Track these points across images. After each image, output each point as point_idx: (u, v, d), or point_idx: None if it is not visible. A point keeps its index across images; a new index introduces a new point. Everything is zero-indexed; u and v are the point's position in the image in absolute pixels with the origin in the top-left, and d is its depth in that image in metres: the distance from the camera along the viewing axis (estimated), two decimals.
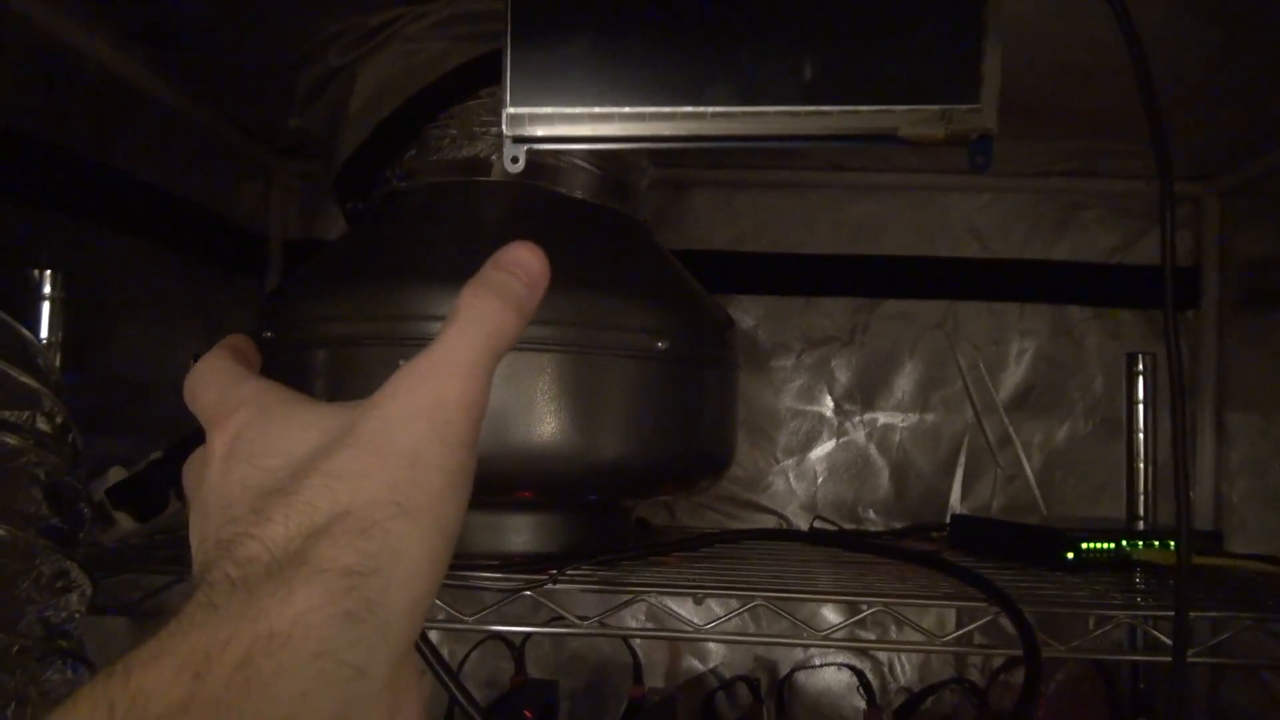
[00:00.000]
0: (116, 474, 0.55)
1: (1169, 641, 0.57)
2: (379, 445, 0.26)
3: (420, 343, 0.59)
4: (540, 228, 0.66)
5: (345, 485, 0.25)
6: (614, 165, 0.70)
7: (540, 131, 0.39)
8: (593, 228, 0.68)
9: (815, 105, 0.36)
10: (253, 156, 0.99)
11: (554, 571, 0.57)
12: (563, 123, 0.39)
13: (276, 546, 0.24)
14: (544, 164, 0.67)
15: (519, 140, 0.40)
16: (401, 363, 0.63)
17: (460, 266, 0.60)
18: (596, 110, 0.38)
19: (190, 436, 0.55)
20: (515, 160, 0.41)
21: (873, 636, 0.96)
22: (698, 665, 1.00)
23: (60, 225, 0.70)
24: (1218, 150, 0.93)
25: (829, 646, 0.96)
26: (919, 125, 0.36)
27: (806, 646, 0.98)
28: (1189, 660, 0.46)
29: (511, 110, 0.39)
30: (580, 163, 0.68)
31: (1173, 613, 0.55)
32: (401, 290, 0.60)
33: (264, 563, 0.23)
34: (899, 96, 0.36)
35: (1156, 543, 0.69)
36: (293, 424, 0.28)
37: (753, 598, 0.54)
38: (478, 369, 0.29)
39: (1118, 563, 0.69)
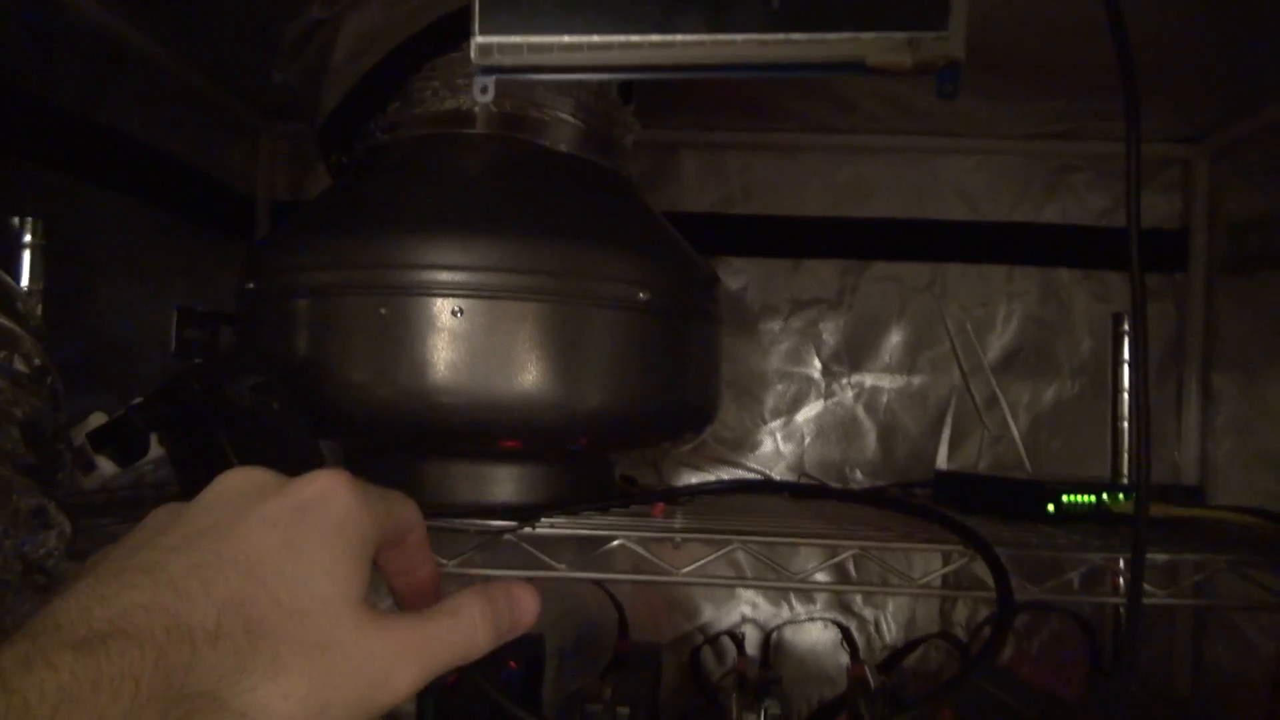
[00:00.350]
0: (97, 419, 0.55)
1: (1152, 589, 0.58)
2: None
3: (401, 292, 0.60)
4: (524, 180, 0.67)
5: None
6: (598, 119, 0.70)
7: (509, 61, 0.39)
8: (576, 180, 0.68)
9: (783, 33, 0.36)
10: (240, 116, 0.98)
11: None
12: (531, 52, 0.38)
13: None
14: (527, 117, 0.67)
15: (487, 70, 0.40)
16: (382, 311, 0.63)
17: (443, 217, 0.62)
18: (565, 39, 0.38)
19: (172, 381, 0.55)
20: (485, 90, 0.41)
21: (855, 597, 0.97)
22: (685, 623, 1.01)
23: (43, 178, 0.70)
24: (1206, 110, 0.92)
25: (805, 589, 0.97)
26: (886, 53, 0.36)
27: (783, 589, 0.99)
28: (1145, 602, 0.46)
29: (480, 40, 0.39)
30: (564, 116, 0.68)
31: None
32: (383, 240, 0.60)
33: None
34: (866, 23, 0.35)
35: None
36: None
37: (729, 542, 0.55)
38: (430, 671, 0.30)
39: (1099, 516, 0.69)
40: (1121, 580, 0.83)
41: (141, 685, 0.24)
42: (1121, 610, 0.91)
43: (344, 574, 0.28)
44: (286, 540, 0.28)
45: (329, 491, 0.30)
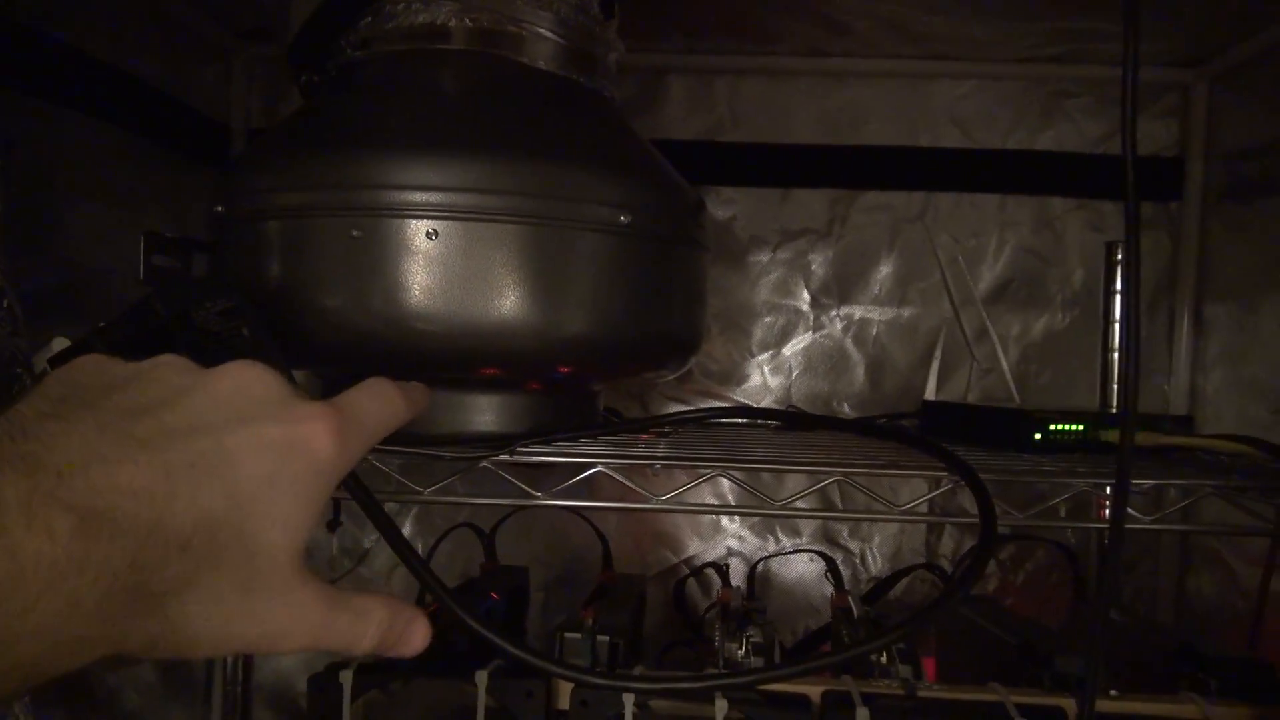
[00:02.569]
0: (60, 343, 0.53)
1: (1137, 514, 0.57)
2: None
3: (374, 213, 0.58)
4: (500, 97, 0.64)
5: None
6: (578, 35, 0.67)
7: None
8: (555, 99, 0.65)
9: None
10: (212, 38, 0.95)
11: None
12: None
13: None
14: (504, 32, 0.65)
15: None
16: (355, 234, 0.62)
17: (416, 136, 0.59)
18: None
19: (137, 305, 0.54)
20: None
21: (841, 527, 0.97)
22: (670, 556, 1.01)
23: (4, 98, 0.67)
24: (1207, 33, 0.90)
25: (786, 515, 0.97)
26: None
27: (765, 518, 0.99)
28: (1129, 527, 0.45)
29: None
30: (543, 31, 0.65)
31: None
32: (354, 159, 0.58)
33: None
34: None
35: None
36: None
37: (711, 469, 0.54)
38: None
39: (1086, 445, 0.68)
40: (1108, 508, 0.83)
41: (119, 578, 0.25)
42: (1105, 535, 0.91)
43: (300, 525, 0.30)
44: (270, 475, 0.29)
45: (317, 437, 0.31)
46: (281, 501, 0.29)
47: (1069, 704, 0.54)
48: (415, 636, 0.34)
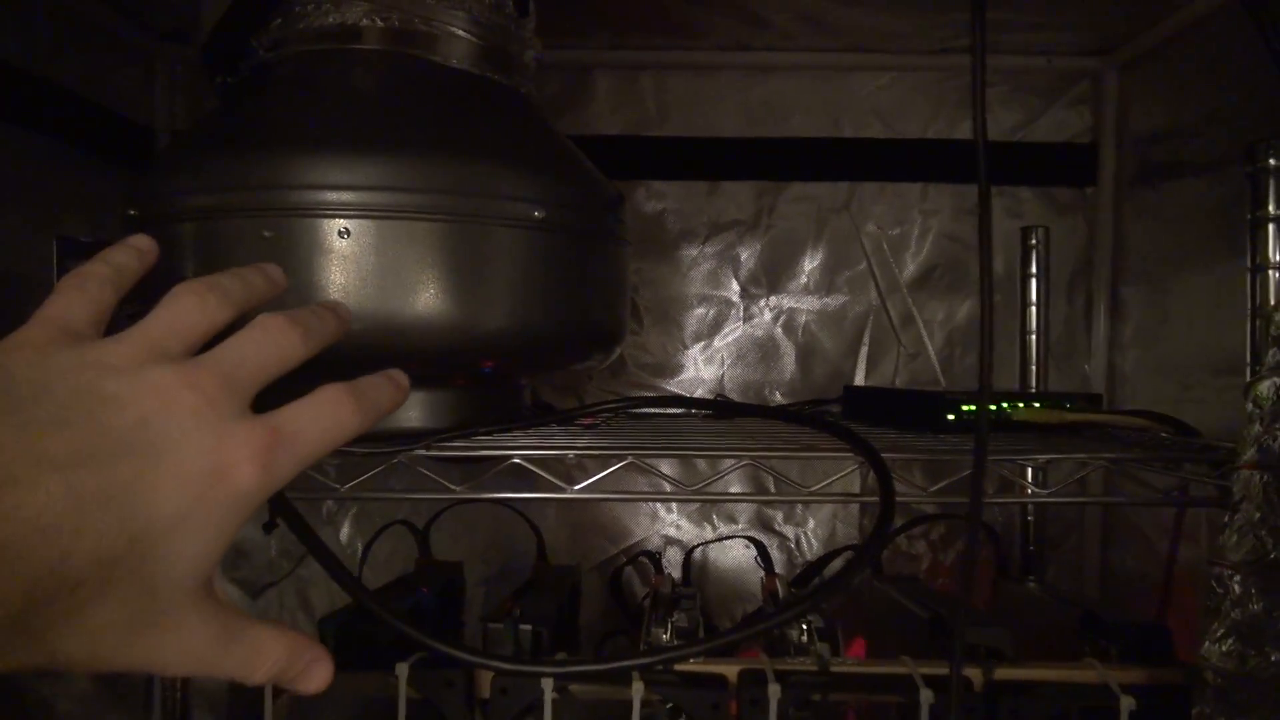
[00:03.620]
0: None
1: (1036, 488, 0.59)
2: None
3: (285, 213, 0.58)
4: (411, 96, 0.65)
5: None
6: (492, 34, 0.68)
7: None
8: (468, 97, 0.66)
9: None
10: (131, 41, 0.94)
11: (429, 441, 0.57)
12: None
13: None
14: (416, 31, 0.65)
15: None
16: (266, 234, 0.62)
17: (325, 135, 0.60)
18: None
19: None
20: None
21: (775, 513, 0.99)
22: (609, 547, 1.02)
23: None
24: (1115, 22, 0.93)
25: (701, 500, 0.98)
26: None
27: (680, 502, 1.00)
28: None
29: None
30: (455, 30, 0.66)
31: (1022, 458, 0.58)
32: (264, 159, 0.58)
33: None
34: None
35: (1036, 404, 0.71)
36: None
37: (624, 456, 0.55)
38: None
39: (999, 425, 0.70)
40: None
41: (9, 609, 0.25)
42: (1029, 513, 0.94)
43: (210, 556, 0.29)
44: (186, 513, 0.28)
45: (242, 468, 0.29)
46: (195, 535, 0.28)
47: (976, 673, 0.56)
48: (315, 676, 0.33)
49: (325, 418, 0.32)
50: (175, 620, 0.29)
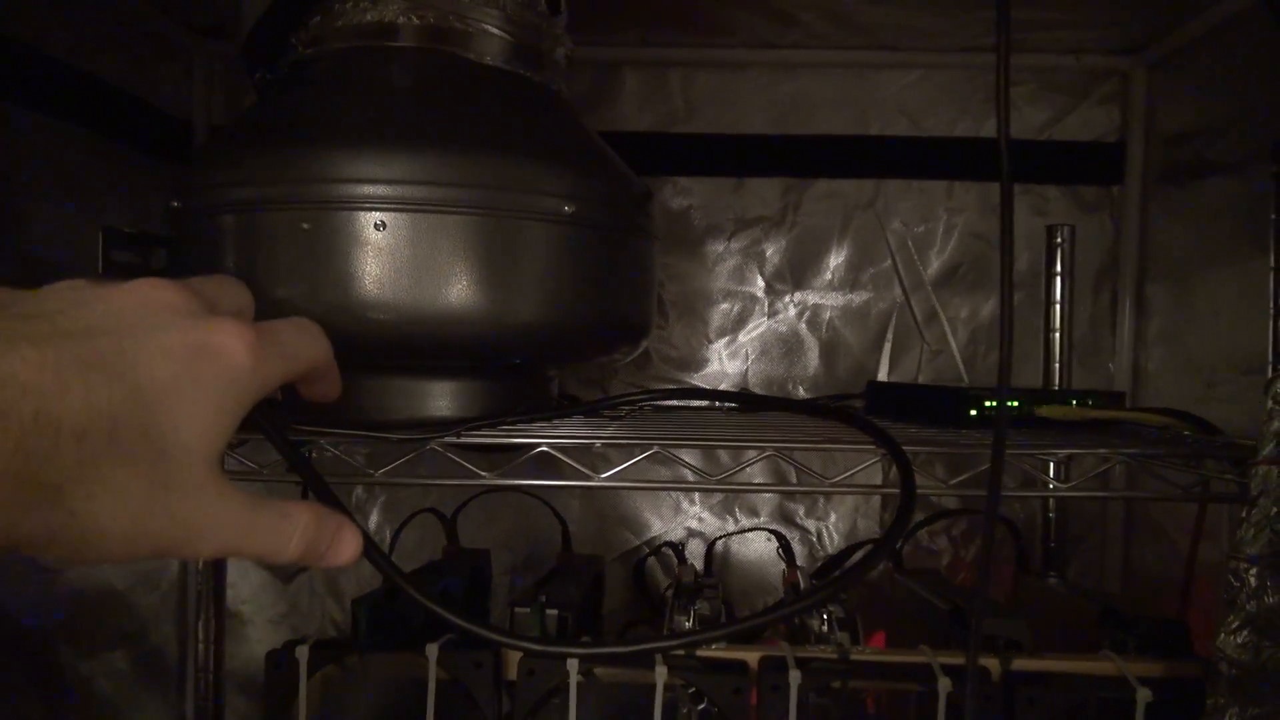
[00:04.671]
0: None
1: (1057, 483, 0.60)
2: None
3: (322, 206, 0.60)
4: (446, 93, 0.66)
5: None
6: (525, 32, 0.69)
7: None
8: (501, 93, 0.67)
9: None
10: (172, 37, 0.97)
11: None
12: None
13: None
14: (450, 29, 0.66)
15: None
16: (305, 226, 0.64)
17: (362, 130, 0.61)
18: None
19: None
20: None
21: (797, 506, 1.00)
22: (632, 539, 1.03)
23: None
24: (1144, 20, 0.93)
25: (725, 490, 0.99)
26: None
27: (703, 491, 1.01)
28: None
29: None
30: (489, 28, 0.67)
31: (1043, 452, 0.58)
32: (303, 153, 0.60)
33: None
34: None
35: (1058, 401, 0.72)
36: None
37: (650, 446, 0.56)
38: None
39: (1023, 420, 0.71)
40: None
41: (3, 462, 0.25)
42: (1051, 509, 0.95)
43: (214, 429, 0.29)
44: (176, 378, 0.29)
45: (229, 345, 0.30)
46: (191, 403, 0.29)
47: (994, 664, 0.57)
48: (345, 545, 0.33)
49: (305, 336, 0.35)
50: (196, 484, 0.29)
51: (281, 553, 0.31)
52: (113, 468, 0.27)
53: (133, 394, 0.28)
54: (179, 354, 0.29)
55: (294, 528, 0.31)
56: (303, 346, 0.34)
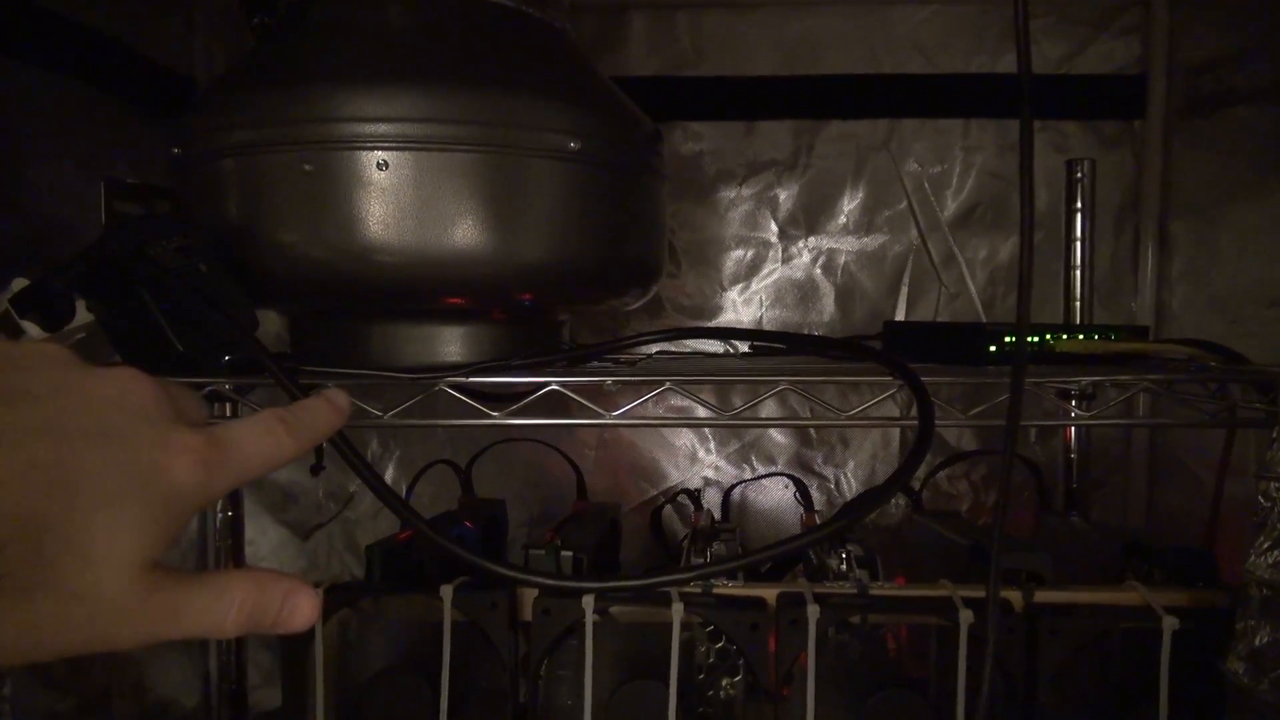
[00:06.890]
0: (19, 284, 0.54)
1: (1080, 411, 0.58)
2: None
3: (324, 146, 0.58)
4: (448, 30, 0.65)
5: None
6: None
7: None
8: (504, 30, 0.66)
9: None
10: None
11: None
12: None
13: None
14: None
15: None
16: (307, 167, 0.62)
17: (363, 68, 0.60)
18: None
19: (92, 244, 0.55)
20: None
21: (815, 454, 0.99)
22: (649, 488, 1.03)
23: None
24: None
25: (737, 425, 0.98)
26: None
27: (716, 428, 1.00)
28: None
29: None
30: None
31: (1064, 381, 0.57)
32: (302, 93, 0.58)
33: None
34: None
35: (1080, 336, 0.70)
36: None
37: (662, 383, 0.55)
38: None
39: (1042, 356, 0.69)
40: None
41: None
42: (1073, 450, 0.93)
43: (150, 540, 0.28)
44: (115, 492, 0.28)
45: (179, 465, 0.29)
46: (129, 520, 0.28)
47: (1015, 596, 0.56)
48: (298, 609, 0.31)
49: (263, 439, 0.33)
50: (122, 590, 0.28)
51: (220, 628, 0.30)
52: (23, 578, 0.26)
53: (67, 505, 0.27)
54: (125, 469, 0.28)
55: (230, 602, 0.30)
56: (265, 455, 0.32)
